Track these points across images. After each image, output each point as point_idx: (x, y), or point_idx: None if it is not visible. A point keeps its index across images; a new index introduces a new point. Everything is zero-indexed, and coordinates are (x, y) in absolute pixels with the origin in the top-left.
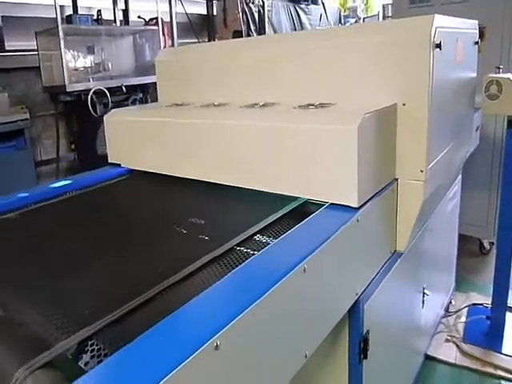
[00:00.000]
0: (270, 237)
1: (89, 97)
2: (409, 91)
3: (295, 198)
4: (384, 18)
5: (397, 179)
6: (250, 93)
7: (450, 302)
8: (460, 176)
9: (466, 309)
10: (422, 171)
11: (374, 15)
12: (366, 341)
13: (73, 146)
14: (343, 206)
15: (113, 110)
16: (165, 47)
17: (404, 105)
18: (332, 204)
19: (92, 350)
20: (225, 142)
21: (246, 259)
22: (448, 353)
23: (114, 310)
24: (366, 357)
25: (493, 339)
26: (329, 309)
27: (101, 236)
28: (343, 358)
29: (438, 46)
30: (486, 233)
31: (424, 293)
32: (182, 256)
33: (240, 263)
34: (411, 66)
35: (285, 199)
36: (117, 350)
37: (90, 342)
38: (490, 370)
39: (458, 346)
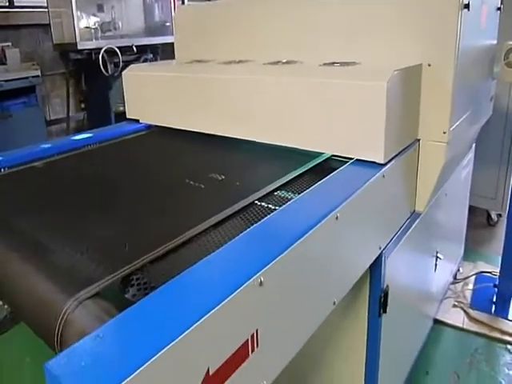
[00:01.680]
0: (293, 192)
1: (100, 55)
2: (435, 52)
3: (319, 154)
4: None
5: (419, 140)
6: (271, 51)
7: (458, 270)
8: (474, 145)
9: (474, 277)
10: (444, 133)
11: None
12: (385, 295)
13: (82, 105)
14: (368, 162)
15: (131, 66)
16: (176, 6)
17: (429, 65)
18: (357, 160)
19: (138, 284)
20: (248, 97)
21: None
22: (456, 317)
23: (155, 248)
24: (385, 311)
25: (500, 306)
26: (356, 258)
27: (125, 187)
28: (363, 311)
29: (467, 6)
30: (495, 204)
31: (437, 257)
32: (209, 207)
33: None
34: (438, 26)
35: (309, 155)
36: (163, 284)
37: (135, 277)
38: (497, 334)
39: (465, 311)
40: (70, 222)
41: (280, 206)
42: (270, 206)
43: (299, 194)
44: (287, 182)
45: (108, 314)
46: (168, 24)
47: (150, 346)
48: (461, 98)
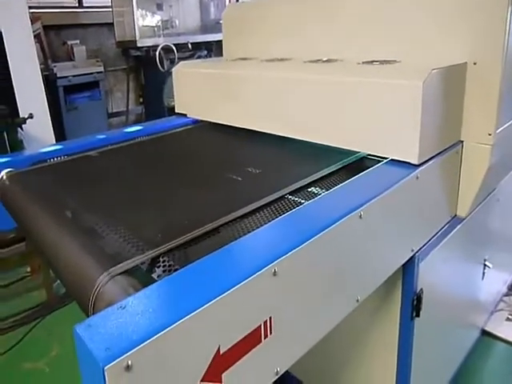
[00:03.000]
0: (324, 188)
1: (157, 52)
2: (481, 50)
3: (354, 153)
4: None
5: (462, 141)
6: (313, 49)
7: None
8: None
9: None
10: (489, 134)
11: None
12: (419, 299)
13: (141, 100)
14: (403, 162)
15: (181, 62)
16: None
17: (475, 64)
18: (392, 160)
19: (164, 266)
20: (288, 94)
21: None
22: (509, 332)
23: (182, 235)
24: (418, 315)
25: None
26: (383, 259)
27: (166, 177)
28: (395, 313)
29: None
30: None
31: (485, 264)
32: (237, 199)
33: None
34: (485, 22)
35: (344, 153)
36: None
37: (162, 259)
38: None
39: None
40: (112, 205)
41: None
42: (300, 200)
43: (329, 190)
44: (320, 179)
45: (134, 288)
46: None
47: (166, 318)
48: (509, 99)
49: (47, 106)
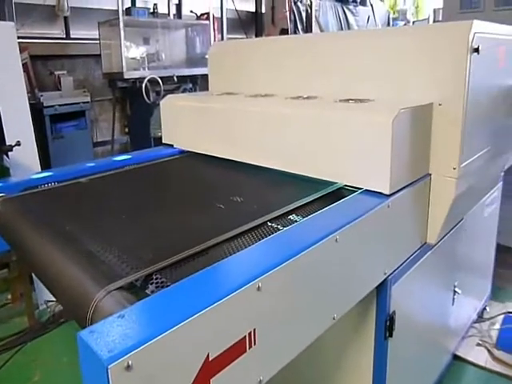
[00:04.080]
0: (303, 216)
1: (143, 84)
2: (445, 92)
3: (331, 183)
4: (434, 21)
5: (430, 174)
6: (294, 87)
7: (485, 309)
8: (501, 184)
9: (501, 316)
10: (454, 168)
11: (425, 19)
12: (391, 320)
13: (126, 130)
14: (376, 192)
15: (168, 95)
16: (214, 41)
17: (440, 105)
18: (366, 190)
19: (157, 282)
20: (272, 128)
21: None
22: (478, 356)
23: (173, 255)
24: (391, 335)
25: None
26: (358, 280)
27: (155, 203)
28: (370, 333)
29: (476, 50)
30: None
31: (455, 291)
32: (222, 224)
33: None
34: (449, 69)
35: (321, 184)
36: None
37: (154, 277)
38: None
39: (489, 350)
40: (106, 228)
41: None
42: (280, 227)
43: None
44: (299, 207)
45: (129, 302)
46: (207, 56)
47: (161, 325)
48: (473, 137)
49: (33, 135)
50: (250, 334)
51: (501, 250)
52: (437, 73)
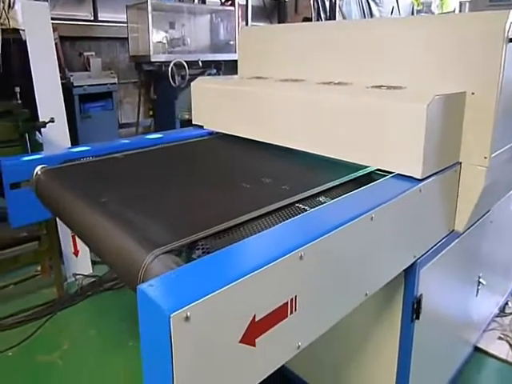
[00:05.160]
0: (333, 198)
1: (169, 68)
2: (479, 82)
3: (363, 167)
4: None
5: (460, 162)
6: (325, 72)
7: (507, 304)
8: None
9: None
10: (485, 158)
11: (450, 12)
12: (419, 302)
13: (151, 113)
14: (408, 176)
15: (199, 78)
16: (239, 28)
17: (473, 94)
18: (398, 175)
19: (203, 249)
20: (303, 112)
21: None
22: (500, 349)
23: (214, 225)
24: (418, 317)
25: None
26: (390, 259)
27: (186, 179)
28: (397, 315)
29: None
30: None
31: (479, 282)
32: (260, 201)
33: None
34: (483, 58)
35: (352, 167)
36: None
37: (200, 243)
38: None
39: (510, 344)
40: (144, 200)
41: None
42: (306, 208)
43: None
44: (331, 188)
45: (178, 265)
46: (232, 42)
47: (214, 284)
48: (506, 127)
49: (65, 113)
50: (291, 300)
51: None
52: (470, 62)
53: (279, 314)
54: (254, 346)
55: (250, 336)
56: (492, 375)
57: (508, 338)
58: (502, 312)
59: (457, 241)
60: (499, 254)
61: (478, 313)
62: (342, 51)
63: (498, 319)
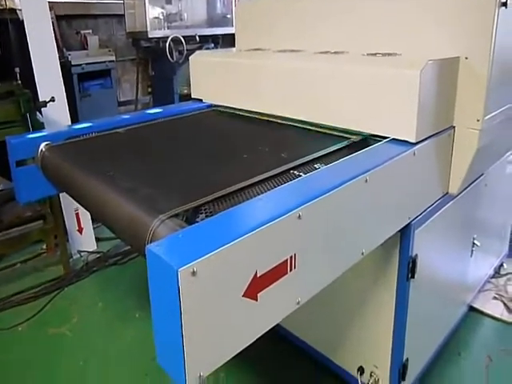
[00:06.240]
0: (329, 164)
1: (167, 43)
2: (472, 46)
3: (358, 133)
4: None
5: (454, 126)
6: (322, 42)
7: (502, 265)
8: None
9: None
10: (478, 120)
11: None
12: (414, 262)
13: (149, 89)
14: (402, 141)
15: (197, 52)
16: (235, 2)
17: (466, 58)
18: (392, 139)
19: (206, 213)
20: (300, 81)
21: None
22: (495, 309)
23: (215, 191)
24: (413, 276)
25: None
26: (385, 220)
27: (186, 150)
28: (393, 274)
29: (504, 4)
30: None
31: (474, 243)
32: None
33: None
34: (476, 22)
35: (348, 134)
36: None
37: (203, 208)
38: None
39: (505, 304)
40: (148, 172)
41: None
42: (301, 174)
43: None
44: (325, 155)
45: (183, 228)
46: (228, 16)
47: (218, 241)
48: (498, 91)
49: (64, 92)
50: (291, 257)
51: None
52: (464, 27)
53: (279, 271)
54: (257, 300)
55: (253, 290)
56: (487, 333)
57: (503, 298)
58: (497, 273)
59: (451, 203)
60: (494, 216)
61: (473, 273)
62: (340, 20)
63: (493, 280)
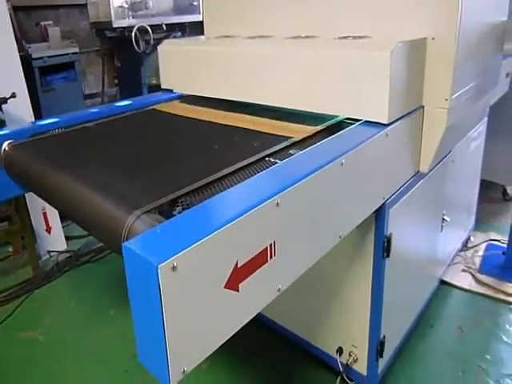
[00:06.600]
0: (304, 149)
1: (133, 33)
2: (438, 26)
3: (333, 117)
4: None
5: (423, 106)
6: (291, 27)
7: (469, 239)
8: (486, 119)
9: (484, 244)
10: (446, 100)
11: None
12: (389, 241)
13: (116, 81)
14: (375, 122)
15: (165, 40)
16: None
17: (433, 39)
18: (366, 122)
19: (183, 205)
20: (273, 68)
21: None
22: (463, 281)
23: (192, 183)
24: (388, 255)
25: (507, 271)
26: (360, 202)
27: (158, 142)
28: (370, 254)
29: None
30: (511, 179)
31: (443, 218)
32: (231, 158)
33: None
34: (443, 3)
35: (323, 118)
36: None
37: (180, 200)
38: (502, 296)
39: (473, 275)
40: (120, 167)
41: None
42: (277, 161)
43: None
44: (299, 141)
45: (160, 222)
46: (195, 3)
47: (197, 234)
48: (463, 70)
49: (26, 87)
50: (270, 245)
51: (484, 185)
52: (430, 8)
53: (260, 259)
54: (238, 291)
55: (234, 281)
56: (457, 305)
57: (471, 270)
58: (465, 246)
59: (422, 181)
60: (461, 191)
61: (443, 248)
62: (310, 4)
63: (461, 253)
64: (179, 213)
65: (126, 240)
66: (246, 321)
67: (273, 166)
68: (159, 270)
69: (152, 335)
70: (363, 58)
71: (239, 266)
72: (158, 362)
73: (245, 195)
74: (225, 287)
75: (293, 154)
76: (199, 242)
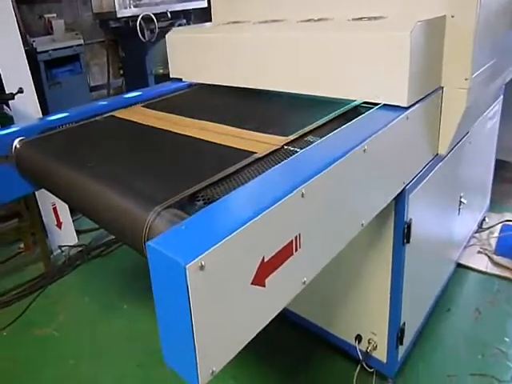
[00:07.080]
0: (323, 136)
1: (137, 22)
2: (458, 4)
3: (350, 102)
4: None
5: (442, 87)
6: (303, 10)
7: (484, 220)
8: (501, 97)
9: (499, 225)
10: (466, 79)
11: None
12: (409, 227)
13: (121, 72)
14: (394, 106)
15: (174, 29)
16: None
17: (453, 17)
18: (384, 105)
19: (204, 199)
20: (286, 52)
21: None
22: (479, 262)
23: (211, 176)
24: (408, 241)
25: None
26: (382, 188)
27: (173, 133)
28: (389, 240)
29: None
30: None
31: (461, 201)
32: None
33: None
34: None
35: (340, 103)
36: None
37: (200, 194)
38: None
39: (489, 257)
40: (133, 161)
41: None
42: (297, 150)
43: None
44: (318, 128)
45: (181, 218)
46: None
47: (220, 233)
48: (482, 48)
49: (32, 81)
50: (296, 238)
51: (499, 165)
52: None
53: (285, 253)
54: (264, 286)
55: (261, 277)
56: (474, 287)
57: (487, 251)
58: (480, 228)
59: (440, 164)
60: (477, 172)
61: (460, 231)
62: None
63: (476, 235)
64: (200, 207)
65: (147, 238)
66: (273, 316)
67: (292, 157)
68: (187, 271)
69: (179, 335)
70: (382, 40)
71: (266, 260)
72: (186, 363)
73: (268, 187)
74: (252, 283)
75: (311, 142)
76: (226, 239)
